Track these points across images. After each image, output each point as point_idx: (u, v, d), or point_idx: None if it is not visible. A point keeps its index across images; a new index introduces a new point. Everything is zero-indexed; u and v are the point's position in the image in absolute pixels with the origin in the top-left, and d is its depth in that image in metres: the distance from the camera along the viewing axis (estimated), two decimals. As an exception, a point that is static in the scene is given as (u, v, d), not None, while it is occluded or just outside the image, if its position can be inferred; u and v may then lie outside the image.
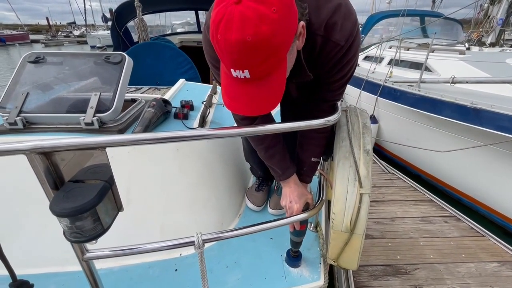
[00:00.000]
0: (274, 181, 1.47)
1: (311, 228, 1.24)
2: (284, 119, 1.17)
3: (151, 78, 2.38)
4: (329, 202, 1.62)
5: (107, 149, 0.54)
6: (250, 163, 1.34)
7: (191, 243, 0.72)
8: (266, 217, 1.28)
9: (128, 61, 1.26)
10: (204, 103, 1.56)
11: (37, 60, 1.25)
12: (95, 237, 0.55)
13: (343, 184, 0.79)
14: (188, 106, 1.51)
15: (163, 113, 1.31)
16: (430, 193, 2.80)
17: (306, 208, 0.93)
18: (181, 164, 1.17)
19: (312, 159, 0.94)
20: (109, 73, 1.24)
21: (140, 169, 1.11)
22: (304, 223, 0.91)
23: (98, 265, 0.98)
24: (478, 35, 5.00)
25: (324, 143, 0.94)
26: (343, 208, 0.78)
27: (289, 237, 0.98)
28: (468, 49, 4.21)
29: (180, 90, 1.81)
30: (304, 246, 1.05)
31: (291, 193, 0.91)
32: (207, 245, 1.10)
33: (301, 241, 0.98)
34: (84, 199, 0.51)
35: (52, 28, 40.18)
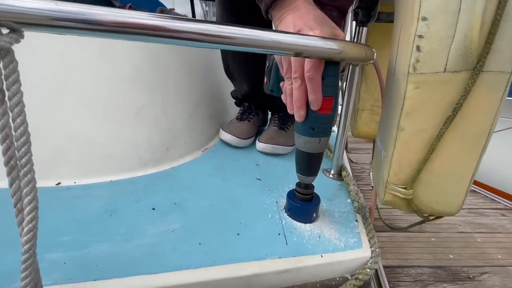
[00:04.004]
0: (269, 115, 0.94)
1: (330, 176, 0.71)
2: None
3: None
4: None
5: None
6: (230, 69, 0.83)
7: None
8: (251, 165, 0.75)
9: None
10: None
11: None
12: None
13: None
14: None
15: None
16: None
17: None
18: (102, 46, 0.66)
19: None
20: None
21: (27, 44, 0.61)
22: (330, 93, 0.38)
23: None
24: None
25: None
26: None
27: (293, 176, 0.45)
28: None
29: None
30: (322, 194, 0.51)
31: (300, 17, 0.39)
32: (131, 173, 0.55)
33: (321, 152, 0.44)
34: None
35: None
